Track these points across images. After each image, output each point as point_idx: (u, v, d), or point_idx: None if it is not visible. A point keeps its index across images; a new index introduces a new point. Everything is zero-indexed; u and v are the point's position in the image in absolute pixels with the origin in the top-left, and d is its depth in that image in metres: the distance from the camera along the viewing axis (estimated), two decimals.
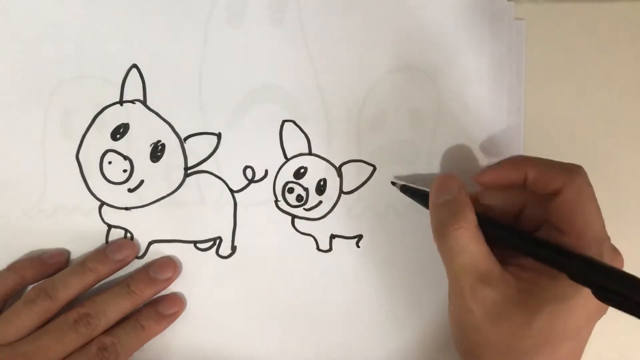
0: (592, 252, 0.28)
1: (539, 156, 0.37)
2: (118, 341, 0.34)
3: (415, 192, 0.34)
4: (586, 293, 0.27)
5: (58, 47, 0.35)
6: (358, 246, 0.36)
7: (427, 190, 0.33)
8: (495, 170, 0.32)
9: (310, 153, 0.36)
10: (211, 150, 0.36)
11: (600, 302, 0.26)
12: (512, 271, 0.29)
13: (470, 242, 0.29)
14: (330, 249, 0.36)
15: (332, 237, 0.36)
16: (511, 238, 0.30)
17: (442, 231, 0.30)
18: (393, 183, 0.36)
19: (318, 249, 0.36)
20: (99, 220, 0.36)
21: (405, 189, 0.35)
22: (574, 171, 0.30)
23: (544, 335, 0.28)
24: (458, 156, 0.36)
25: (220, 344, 0.36)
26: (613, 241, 0.37)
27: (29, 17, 0.35)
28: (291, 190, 0.36)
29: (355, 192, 0.36)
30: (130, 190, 0.35)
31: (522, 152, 0.37)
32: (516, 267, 0.30)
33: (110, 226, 0.36)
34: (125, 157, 0.35)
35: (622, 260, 0.30)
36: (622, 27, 0.37)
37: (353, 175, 0.36)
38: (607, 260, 0.28)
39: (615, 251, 0.30)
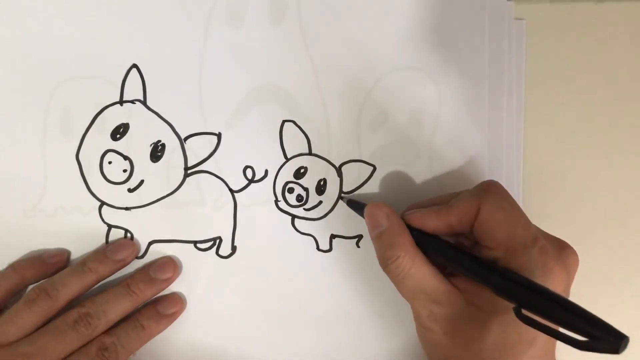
0: (521, 260, 0.28)
1: (539, 155, 0.37)
2: (118, 341, 0.34)
3: (359, 206, 0.34)
4: None
5: (58, 47, 0.35)
6: (358, 246, 0.36)
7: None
8: (420, 218, 0.31)
9: (310, 153, 0.36)
10: (211, 150, 0.36)
11: (521, 321, 0.25)
12: (459, 284, 0.30)
13: (412, 267, 0.30)
14: (330, 249, 0.36)
15: (332, 237, 0.36)
16: (443, 254, 0.30)
17: (384, 264, 0.31)
18: (341, 198, 0.36)
19: (318, 249, 0.36)
20: (99, 220, 0.36)
21: (351, 204, 0.35)
22: (484, 190, 0.30)
23: (499, 347, 0.28)
24: (458, 156, 0.36)
25: (220, 344, 0.37)
26: (614, 242, 0.37)
27: (29, 17, 0.35)
28: (291, 190, 0.36)
29: (355, 192, 0.36)
30: (130, 190, 0.35)
31: (521, 152, 0.37)
32: (462, 280, 0.30)
33: (110, 226, 0.36)
34: (125, 157, 0.35)
35: (571, 253, 0.29)
36: (622, 27, 0.37)
37: (353, 175, 0.36)
38: (540, 262, 0.28)
39: (558, 247, 0.29)
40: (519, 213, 0.30)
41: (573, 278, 0.29)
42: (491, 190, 0.30)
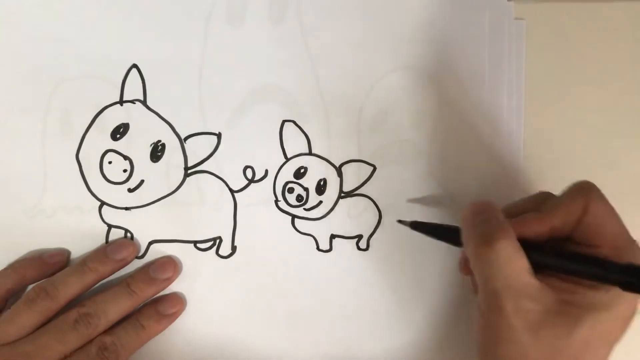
0: (629, 257, 0.28)
1: (539, 155, 0.37)
2: (118, 341, 0.34)
3: (429, 227, 0.33)
4: (623, 300, 0.27)
5: (58, 47, 0.35)
6: (358, 246, 0.36)
7: (446, 225, 0.32)
8: (521, 225, 0.30)
9: (310, 153, 0.36)
10: (211, 150, 0.36)
11: None
12: (550, 282, 0.29)
13: (514, 255, 0.28)
14: (330, 249, 0.36)
15: (332, 237, 0.36)
16: (552, 258, 0.29)
17: (486, 242, 0.29)
18: (400, 221, 0.35)
19: (318, 249, 0.36)
20: (99, 220, 0.36)
21: (417, 226, 0.34)
22: (587, 190, 0.30)
23: (584, 343, 0.28)
24: (458, 156, 0.36)
25: (220, 344, 0.37)
26: None
27: (29, 17, 0.35)
28: (291, 190, 0.36)
29: (355, 192, 0.36)
30: (130, 190, 0.36)
31: (521, 152, 0.36)
32: (554, 278, 0.29)
33: (110, 226, 0.36)
34: (125, 157, 0.35)
35: None
36: (622, 27, 0.37)
37: (353, 175, 0.36)
38: None
39: None
40: (617, 213, 0.30)
41: None
42: (595, 190, 0.30)
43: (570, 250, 0.30)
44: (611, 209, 0.30)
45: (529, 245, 0.29)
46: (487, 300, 0.29)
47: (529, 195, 0.33)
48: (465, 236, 0.30)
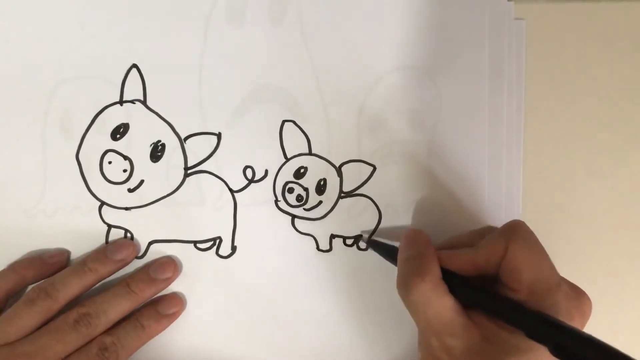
0: (546, 304, 0.28)
1: (539, 155, 0.37)
2: (118, 341, 0.34)
3: (382, 247, 0.35)
4: (541, 346, 0.27)
5: (58, 47, 0.35)
6: (358, 247, 0.36)
7: (395, 245, 0.33)
8: (448, 258, 0.31)
9: (310, 153, 0.36)
10: (211, 150, 0.36)
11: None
12: (477, 319, 0.30)
13: (433, 295, 0.29)
14: (330, 249, 0.36)
15: (332, 237, 0.36)
16: (472, 295, 0.30)
17: (404, 285, 0.30)
18: (359, 236, 0.36)
19: (318, 249, 0.36)
20: (99, 220, 0.36)
21: (372, 244, 0.35)
22: (510, 231, 0.30)
23: None
24: (458, 156, 0.36)
25: (220, 344, 0.37)
26: (614, 241, 0.37)
27: (28, 17, 0.35)
28: (291, 190, 0.36)
29: (355, 192, 0.36)
30: (130, 190, 0.36)
31: (521, 152, 0.37)
32: (479, 314, 0.30)
33: (110, 226, 0.36)
34: (125, 157, 0.35)
35: (587, 300, 0.30)
36: (622, 27, 0.37)
37: (353, 175, 0.36)
38: (564, 307, 0.28)
39: (576, 293, 0.30)
40: (545, 256, 0.29)
41: (585, 325, 0.30)
42: (518, 232, 0.30)
43: (492, 291, 0.30)
44: (532, 253, 0.29)
45: (460, 280, 0.30)
46: (419, 334, 0.31)
47: (477, 228, 0.34)
48: (397, 270, 0.32)
